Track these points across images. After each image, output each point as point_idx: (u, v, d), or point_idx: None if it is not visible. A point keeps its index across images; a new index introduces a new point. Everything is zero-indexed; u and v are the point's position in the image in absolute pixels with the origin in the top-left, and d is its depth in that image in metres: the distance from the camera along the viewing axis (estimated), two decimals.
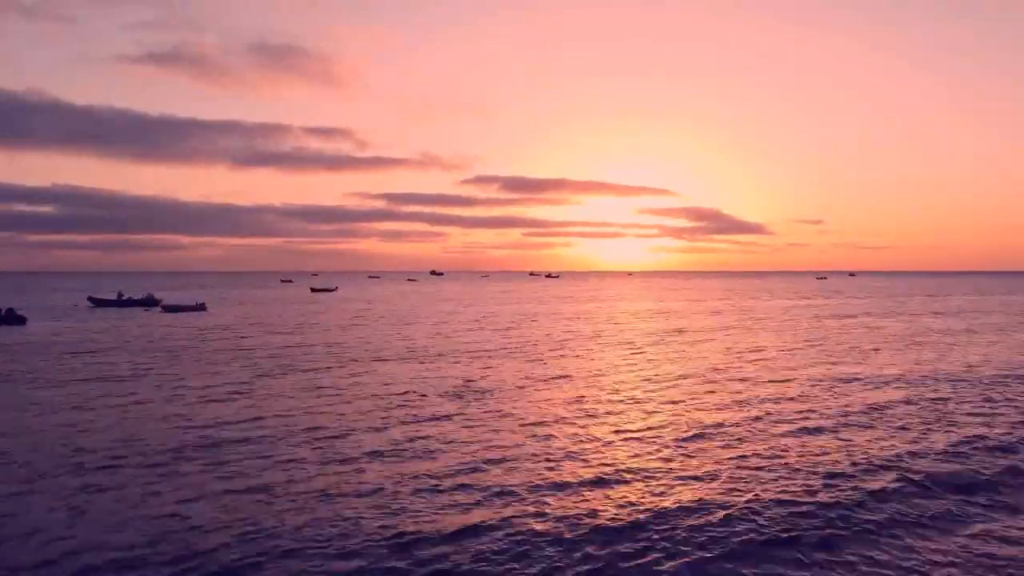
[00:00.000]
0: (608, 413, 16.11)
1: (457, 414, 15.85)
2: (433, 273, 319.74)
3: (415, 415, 15.73)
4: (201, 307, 58.03)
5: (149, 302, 62.60)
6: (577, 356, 26.36)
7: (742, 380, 20.67)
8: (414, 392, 18.71)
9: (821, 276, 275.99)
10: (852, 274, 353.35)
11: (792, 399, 17.67)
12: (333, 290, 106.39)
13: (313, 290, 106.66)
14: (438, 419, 15.31)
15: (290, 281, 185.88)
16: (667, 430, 14.36)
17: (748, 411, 16.20)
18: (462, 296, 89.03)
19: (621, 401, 17.57)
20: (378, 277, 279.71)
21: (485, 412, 16.07)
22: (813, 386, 19.64)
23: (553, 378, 21.16)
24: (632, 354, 27.07)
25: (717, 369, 22.95)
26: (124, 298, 64.50)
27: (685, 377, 21.31)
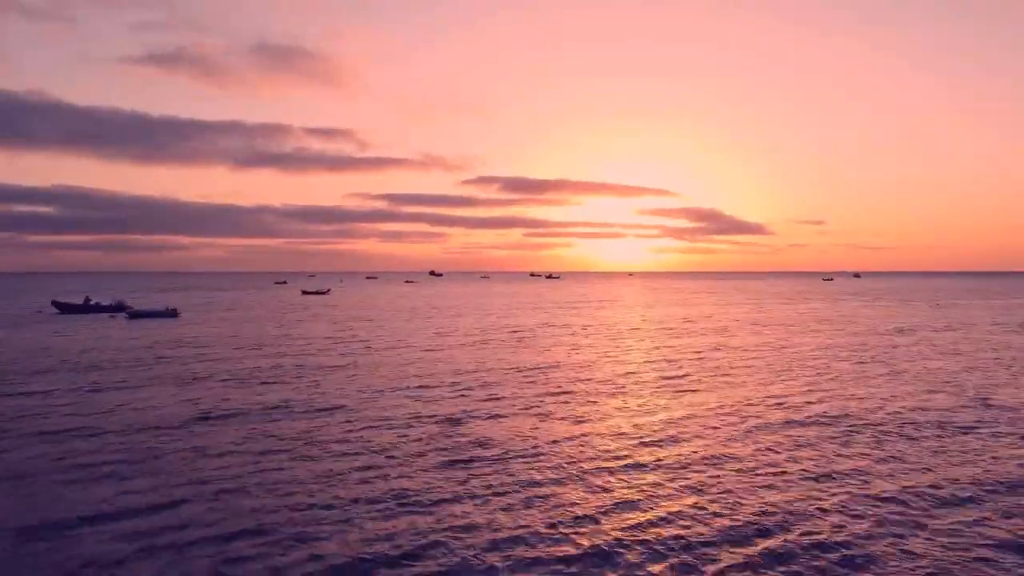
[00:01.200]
0: (704, 529, 10.46)
1: (433, 508, 10.22)
2: (432, 274, 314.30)
3: (371, 512, 10.09)
4: (172, 313, 52.41)
5: (118, 307, 57.00)
6: (616, 395, 20.60)
7: (870, 428, 15.04)
8: (383, 452, 13.08)
9: (828, 278, 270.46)
10: (857, 275, 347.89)
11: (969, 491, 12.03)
12: (325, 292, 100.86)
13: (304, 292, 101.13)
14: (408, 512, 9.65)
15: (284, 282, 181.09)
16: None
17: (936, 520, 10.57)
18: (461, 300, 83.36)
19: (703, 486, 11.93)
20: (375, 278, 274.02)
21: (482, 503, 10.44)
22: (974, 450, 14.02)
23: (590, 437, 15.53)
24: (689, 391, 21.02)
25: (826, 417, 17.31)
26: (91, 303, 58.98)
27: (800, 433, 15.67)
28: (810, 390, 20.15)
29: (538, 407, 17.66)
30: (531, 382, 21.55)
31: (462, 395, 19.28)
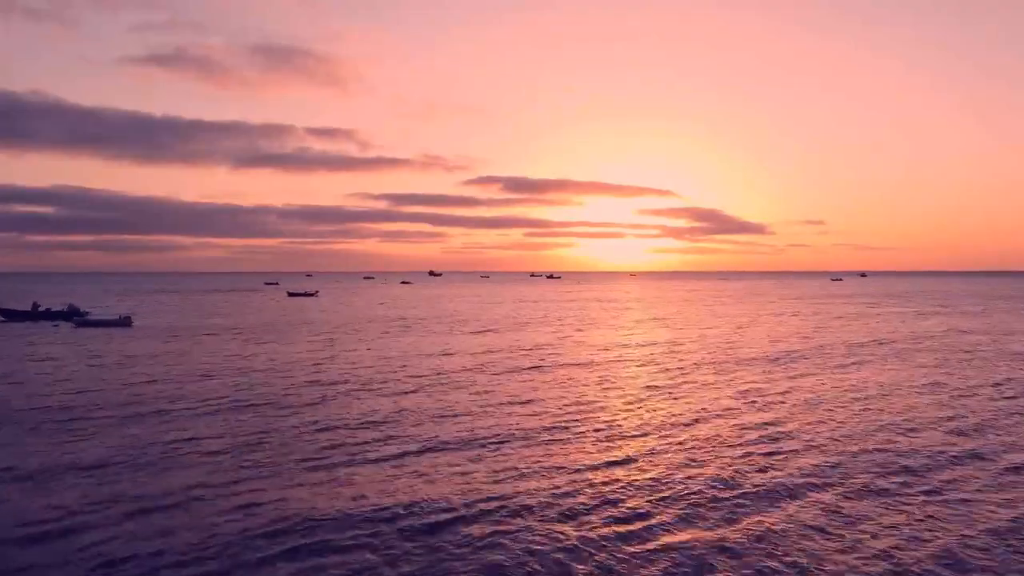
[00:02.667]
0: None
1: None
2: (431, 274, 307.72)
3: None
4: (125, 322, 45.41)
5: (69, 314, 49.87)
6: (720, 500, 13.46)
7: None
8: None
9: (836, 278, 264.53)
10: (863, 275, 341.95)
11: None
12: (313, 295, 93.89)
13: (290, 294, 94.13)
14: None
15: (276, 283, 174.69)
16: None
17: None
18: (460, 305, 76.24)
19: None
20: (372, 278, 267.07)
21: None
22: None
23: None
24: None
25: None
26: (40, 310, 51.93)
27: None
28: None
29: (587, 516, 10.57)
30: (568, 457, 14.46)
31: (461, 472, 12.18)
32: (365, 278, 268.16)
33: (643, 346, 34.16)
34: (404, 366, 26.67)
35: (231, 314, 58.27)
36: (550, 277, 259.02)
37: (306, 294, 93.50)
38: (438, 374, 24.70)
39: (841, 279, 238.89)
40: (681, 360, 28.74)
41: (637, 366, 27.14)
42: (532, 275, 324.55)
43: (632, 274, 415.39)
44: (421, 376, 24.14)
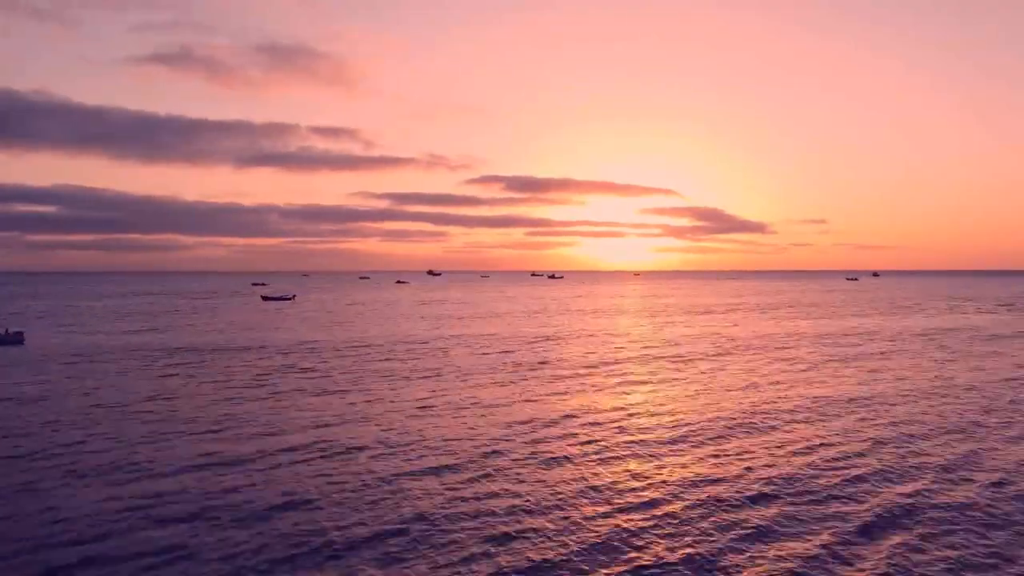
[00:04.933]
0: None
1: None
2: (430, 273, 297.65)
3: None
4: (15, 339, 35.05)
5: None
6: None
7: None
8: None
9: (852, 277, 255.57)
10: (876, 274, 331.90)
11: None
12: (290, 299, 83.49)
13: (264, 298, 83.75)
14: None
15: (263, 284, 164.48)
16: None
17: None
18: (457, 315, 65.71)
19: None
20: (367, 278, 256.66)
21: None
22: None
23: None
24: None
25: None
26: None
27: None
28: None
29: None
30: None
31: None
32: (361, 278, 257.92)
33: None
34: (333, 450, 16.17)
35: (174, 327, 47.47)
36: (551, 277, 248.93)
37: (282, 298, 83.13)
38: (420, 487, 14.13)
39: (857, 279, 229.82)
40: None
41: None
42: (533, 274, 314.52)
43: (636, 273, 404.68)
44: (394, 463, 13.61)
